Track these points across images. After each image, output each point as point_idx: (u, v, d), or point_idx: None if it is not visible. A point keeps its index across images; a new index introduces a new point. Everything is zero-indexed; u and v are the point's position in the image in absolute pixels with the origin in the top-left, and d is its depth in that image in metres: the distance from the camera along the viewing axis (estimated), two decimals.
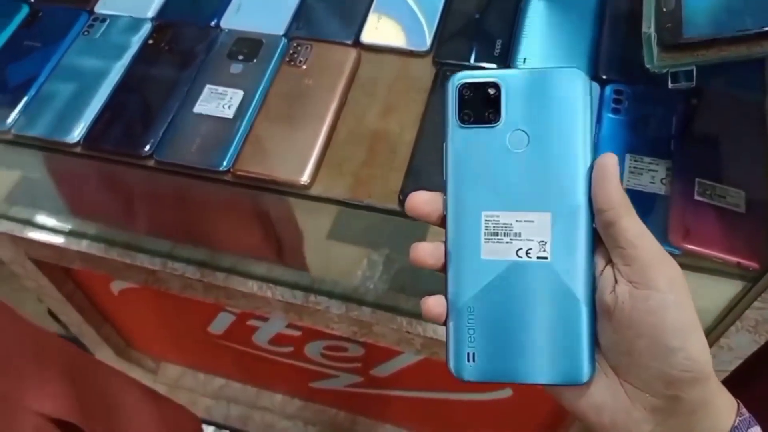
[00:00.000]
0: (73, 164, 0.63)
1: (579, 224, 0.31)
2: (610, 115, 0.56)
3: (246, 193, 0.59)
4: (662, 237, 0.49)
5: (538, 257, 0.32)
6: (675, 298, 0.29)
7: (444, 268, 0.33)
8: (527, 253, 0.32)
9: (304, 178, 0.55)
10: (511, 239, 0.32)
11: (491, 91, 0.32)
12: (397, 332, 0.69)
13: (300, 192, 0.56)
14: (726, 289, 0.52)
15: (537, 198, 0.32)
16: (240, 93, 0.61)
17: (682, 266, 0.49)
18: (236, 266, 0.73)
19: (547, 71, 0.32)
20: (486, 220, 0.32)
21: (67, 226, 0.77)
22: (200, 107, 0.60)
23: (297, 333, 0.94)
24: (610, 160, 0.31)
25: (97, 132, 0.61)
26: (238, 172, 0.57)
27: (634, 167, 0.53)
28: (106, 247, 0.75)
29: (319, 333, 0.92)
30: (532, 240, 0.32)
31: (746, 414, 0.30)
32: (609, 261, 0.31)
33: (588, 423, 0.32)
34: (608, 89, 0.57)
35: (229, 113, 0.60)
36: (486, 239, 0.32)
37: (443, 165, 0.33)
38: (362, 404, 1.13)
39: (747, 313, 0.51)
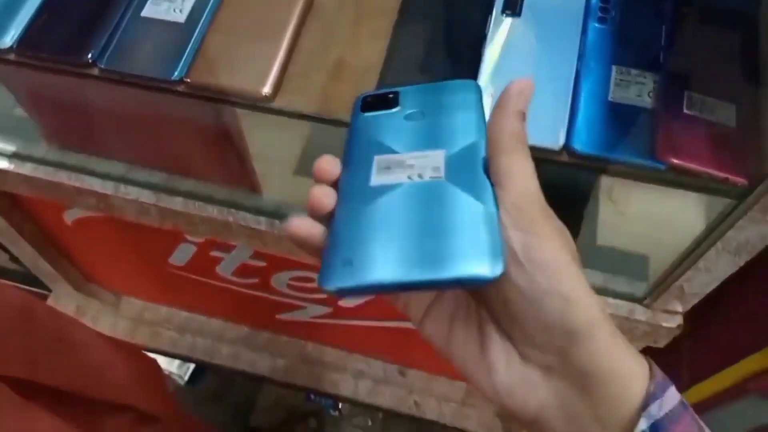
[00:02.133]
0: (6, 73, 0.57)
1: (474, 156, 0.29)
2: (596, 25, 0.52)
3: (201, 106, 0.54)
4: (649, 152, 0.46)
5: (430, 177, 0.29)
6: (541, 239, 0.26)
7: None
8: (419, 176, 0.29)
9: (266, 89, 0.51)
10: (403, 170, 0.29)
11: (390, 96, 0.33)
12: None
13: (262, 104, 0.52)
14: (710, 209, 0.50)
15: (431, 144, 0.30)
16: None
17: (669, 182, 0.48)
18: (195, 190, 0.68)
19: (444, 83, 0.34)
20: (378, 161, 0.30)
21: (8, 148, 0.71)
22: (149, 10, 0.55)
23: (262, 264, 0.91)
24: (512, 91, 0.28)
25: (32, 36, 0.54)
26: (192, 83, 0.52)
27: (621, 80, 0.49)
28: (54, 170, 0.70)
29: (285, 263, 0.89)
30: (425, 168, 0.29)
31: (659, 376, 0.27)
32: None
33: (482, 390, 0.28)
34: None
35: (181, 17, 0.54)
36: (377, 173, 0.30)
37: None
38: (331, 335, 1.12)
39: (730, 233, 0.50)
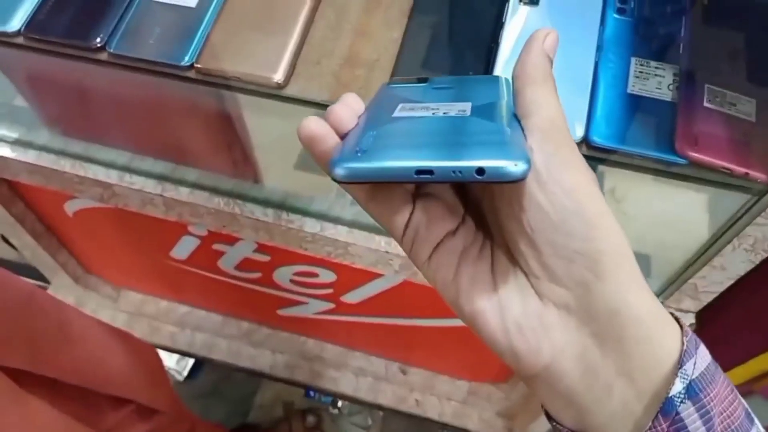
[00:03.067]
0: (13, 58, 0.56)
1: (502, 109, 0.27)
2: (616, 16, 0.51)
3: (211, 93, 0.53)
4: (669, 145, 0.46)
5: (456, 112, 0.27)
6: (567, 163, 0.24)
7: None
8: (444, 113, 0.27)
9: (278, 76, 0.50)
10: (428, 108, 0.27)
11: (418, 80, 0.32)
12: (375, 252, 0.65)
13: (273, 92, 0.51)
14: (729, 205, 0.49)
15: (458, 99, 0.29)
16: None
17: (688, 177, 0.47)
18: (201, 180, 0.67)
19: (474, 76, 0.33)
20: (402, 105, 0.28)
21: (11, 135, 0.70)
22: None
23: (266, 258, 0.90)
24: (540, 32, 0.27)
25: (40, 20, 0.53)
26: (203, 68, 0.51)
27: (640, 72, 0.49)
28: (57, 158, 0.69)
29: (288, 258, 0.88)
30: (451, 109, 0.27)
31: (690, 332, 0.24)
32: None
33: (488, 331, 0.26)
34: None
35: (192, 2, 0.53)
36: (400, 109, 0.28)
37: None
38: (332, 331, 1.11)
39: (747, 230, 0.49)
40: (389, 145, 0.24)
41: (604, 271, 0.23)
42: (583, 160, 0.25)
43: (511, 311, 0.25)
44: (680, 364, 0.23)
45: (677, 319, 0.25)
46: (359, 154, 0.24)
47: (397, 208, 0.27)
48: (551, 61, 0.27)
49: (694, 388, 0.23)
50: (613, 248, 0.24)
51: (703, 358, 0.24)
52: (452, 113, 0.27)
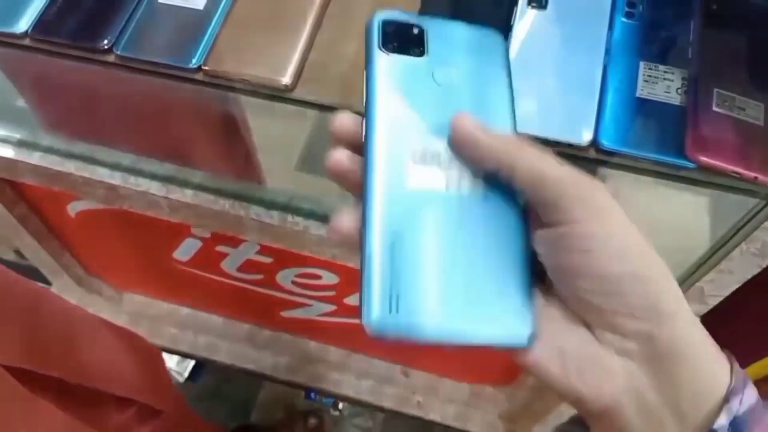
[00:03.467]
0: (20, 59, 0.55)
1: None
2: (624, 20, 0.51)
3: (218, 95, 0.53)
4: (678, 149, 0.46)
5: (468, 188, 0.28)
6: (611, 224, 0.25)
7: (359, 193, 0.27)
8: (457, 184, 0.28)
9: (286, 79, 0.50)
10: (440, 166, 0.28)
11: (415, 31, 0.30)
12: None
13: (281, 95, 0.51)
14: (737, 209, 0.49)
15: (466, 96, 0.29)
16: None
17: (697, 182, 0.47)
18: (206, 182, 0.67)
19: (470, 26, 0.32)
20: (413, 145, 0.28)
21: (15, 135, 0.70)
22: None
23: (269, 260, 0.90)
24: (461, 123, 0.27)
25: (48, 21, 0.53)
26: (210, 71, 0.51)
27: (649, 76, 0.49)
28: (61, 160, 0.68)
29: (291, 259, 0.88)
30: (462, 171, 0.28)
31: (740, 371, 0.25)
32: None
33: (549, 377, 0.26)
34: None
35: (199, 4, 0.53)
36: (412, 162, 0.27)
37: (363, 92, 0.29)
38: (334, 333, 1.11)
39: (756, 234, 0.49)
40: (416, 302, 0.26)
41: (665, 320, 0.24)
42: (614, 204, 0.25)
43: (572, 355, 0.26)
44: (726, 400, 0.24)
45: (729, 356, 0.26)
46: (392, 313, 0.26)
47: None
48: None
49: (738, 424, 0.24)
50: (669, 296, 0.25)
51: (750, 395, 0.24)
52: (464, 185, 0.28)
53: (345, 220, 0.27)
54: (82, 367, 0.61)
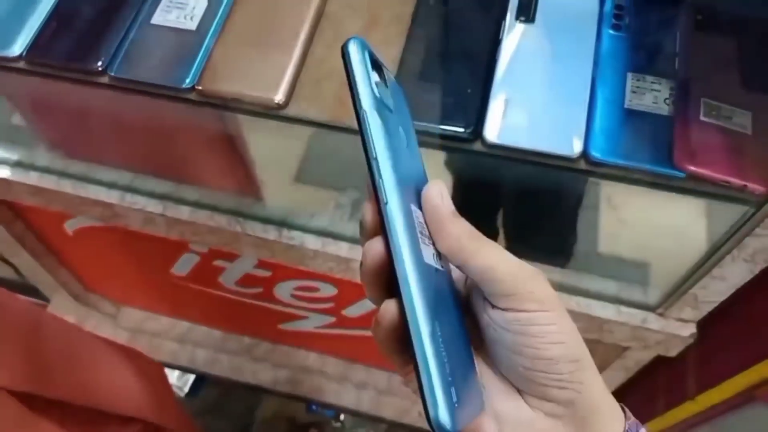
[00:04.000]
0: (15, 82, 0.56)
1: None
2: (611, 32, 0.52)
3: (212, 114, 0.54)
4: (667, 159, 0.46)
5: (437, 262, 0.28)
6: (545, 313, 0.27)
7: (386, 275, 0.26)
8: (434, 258, 0.28)
9: (279, 97, 0.50)
10: (424, 239, 0.27)
11: (379, 65, 0.29)
12: None
13: (274, 113, 0.51)
14: (728, 216, 0.50)
15: (412, 191, 0.28)
16: (203, 2, 0.54)
17: (687, 191, 0.48)
18: (202, 199, 0.68)
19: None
20: (416, 216, 0.27)
21: (12, 157, 0.70)
22: (159, 18, 0.54)
23: (267, 273, 0.90)
24: (429, 200, 0.28)
25: (42, 44, 0.54)
26: (204, 90, 0.51)
27: (637, 87, 0.49)
28: (58, 179, 0.69)
29: (289, 273, 0.88)
30: (431, 243, 0.28)
31: (632, 417, 0.29)
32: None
33: None
34: (608, 3, 0.53)
35: (192, 25, 0.53)
36: (420, 239, 0.27)
37: (364, 139, 0.27)
38: (333, 345, 1.11)
39: (746, 240, 0.49)
40: (462, 386, 0.26)
41: (586, 389, 0.28)
42: (546, 287, 0.28)
43: (507, 420, 0.29)
44: None
45: (622, 407, 0.30)
46: (456, 407, 0.25)
47: None
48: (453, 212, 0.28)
49: None
50: (589, 369, 0.28)
51: None
52: (434, 263, 0.27)
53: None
54: (85, 387, 0.61)
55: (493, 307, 0.28)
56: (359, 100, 0.27)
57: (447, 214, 0.28)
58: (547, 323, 0.27)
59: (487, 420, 0.29)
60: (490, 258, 0.27)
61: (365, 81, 0.27)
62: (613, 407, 0.29)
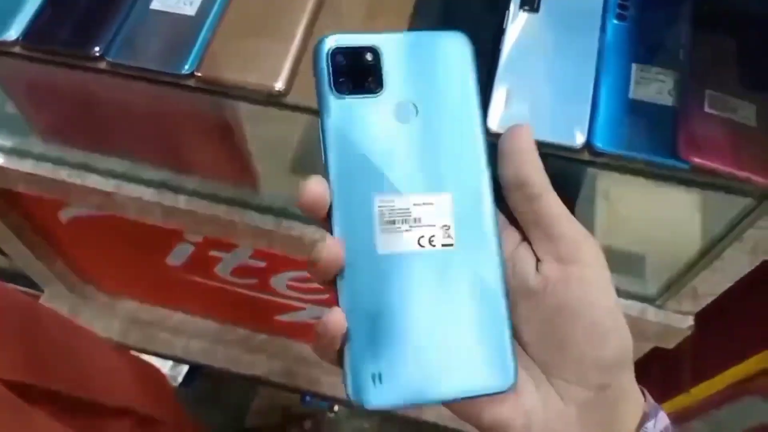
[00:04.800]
0: (11, 67, 0.55)
1: (483, 202, 0.28)
2: (615, 22, 0.51)
3: (211, 102, 0.53)
4: (671, 151, 0.46)
5: (443, 245, 0.27)
6: (606, 274, 0.27)
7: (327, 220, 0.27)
8: (431, 241, 0.27)
9: (280, 84, 0.50)
10: (410, 226, 0.27)
11: (369, 57, 0.28)
12: None
13: (275, 100, 0.50)
14: (728, 208, 0.50)
15: (433, 177, 0.28)
16: None
17: (690, 182, 0.47)
18: (200, 188, 0.67)
19: (429, 35, 0.29)
20: (380, 207, 0.27)
21: (6, 143, 0.69)
22: (158, 3, 0.53)
23: (262, 264, 0.90)
24: (524, 132, 0.27)
25: (38, 28, 0.53)
26: (203, 77, 0.50)
27: (641, 77, 0.49)
28: (53, 167, 0.68)
29: (286, 263, 0.88)
30: (434, 225, 0.27)
31: (651, 400, 0.28)
32: (522, 240, 0.28)
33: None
34: None
35: (191, 10, 0.53)
36: (382, 229, 0.27)
37: (320, 145, 0.28)
38: None
39: (748, 233, 0.49)
40: (399, 371, 0.26)
41: (617, 370, 0.27)
42: (598, 255, 0.27)
43: (537, 417, 0.27)
44: (642, 422, 0.27)
45: (641, 389, 0.29)
46: (377, 384, 0.26)
47: None
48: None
49: None
50: (629, 349, 0.27)
51: (662, 420, 0.28)
52: (438, 242, 0.27)
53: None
54: (78, 378, 0.61)
55: (556, 261, 0.26)
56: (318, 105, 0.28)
57: (533, 146, 0.27)
58: (608, 285, 0.26)
59: (515, 417, 0.27)
60: (560, 201, 0.27)
61: (321, 88, 0.28)
62: (638, 392, 0.28)
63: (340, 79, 0.28)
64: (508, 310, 0.27)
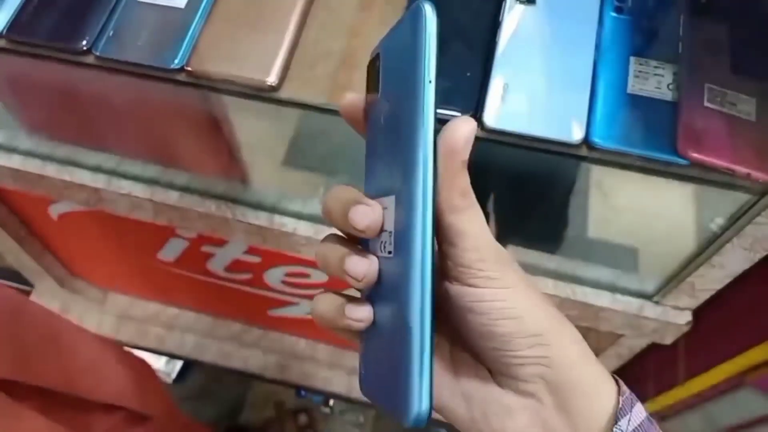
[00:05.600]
0: None
1: (416, 205, 0.24)
2: (613, 14, 0.51)
3: (201, 96, 0.52)
4: (670, 146, 0.45)
5: (388, 252, 0.26)
6: (491, 290, 0.26)
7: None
8: (384, 247, 0.26)
9: (271, 79, 0.49)
10: (387, 231, 0.26)
11: (375, 62, 0.29)
12: None
13: (266, 95, 0.49)
14: (726, 204, 0.49)
15: (389, 178, 0.26)
16: None
17: (689, 178, 0.47)
18: (192, 184, 0.66)
19: (402, 19, 0.27)
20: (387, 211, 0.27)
21: None
22: None
23: (257, 259, 0.89)
24: (461, 132, 0.25)
25: (24, 21, 0.51)
26: (193, 71, 0.49)
27: (639, 71, 0.48)
28: (42, 163, 0.67)
29: (279, 259, 0.87)
30: (387, 230, 0.26)
31: (627, 392, 0.28)
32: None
33: (456, 420, 0.29)
34: None
35: (181, 3, 0.52)
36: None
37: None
38: (324, 331, 1.10)
39: (747, 229, 0.49)
40: (370, 367, 0.29)
41: (555, 361, 0.27)
42: (518, 271, 0.28)
43: (476, 400, 0.28)
44: (615, 420, 0.27)
45: (616, 379, 0.28)
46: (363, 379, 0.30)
47: None
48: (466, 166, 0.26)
49: None
50: (555, 338, 0.27)
51: (637, 415, 0.27)
52: (386, 250, 0.26)
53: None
54: (67, 374, 0.60)
55: (450, 280, 0.27)
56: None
57: (465, 155, 0.25)
58: (493, 299, 0.26)
59: (456, 399, 0.29)
60: (469, 224, 0.26)
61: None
62: (600, 382, 0.28)
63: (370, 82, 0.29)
64: (421, 331, 0.24)
